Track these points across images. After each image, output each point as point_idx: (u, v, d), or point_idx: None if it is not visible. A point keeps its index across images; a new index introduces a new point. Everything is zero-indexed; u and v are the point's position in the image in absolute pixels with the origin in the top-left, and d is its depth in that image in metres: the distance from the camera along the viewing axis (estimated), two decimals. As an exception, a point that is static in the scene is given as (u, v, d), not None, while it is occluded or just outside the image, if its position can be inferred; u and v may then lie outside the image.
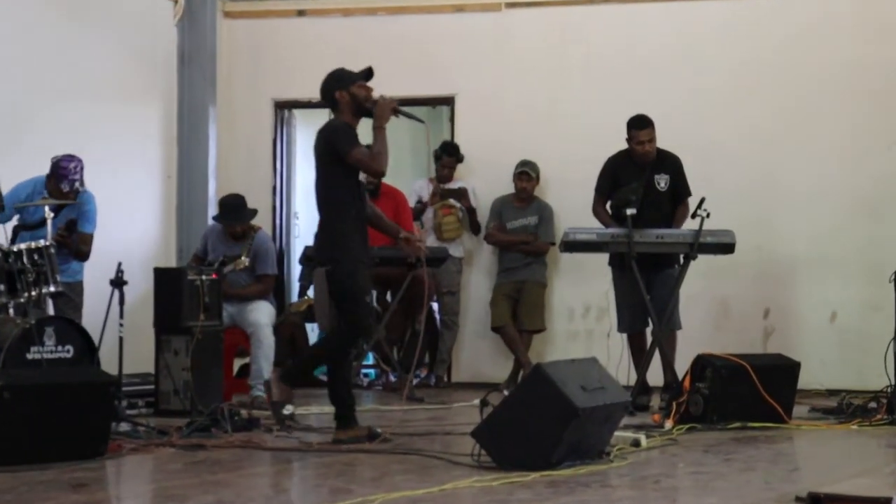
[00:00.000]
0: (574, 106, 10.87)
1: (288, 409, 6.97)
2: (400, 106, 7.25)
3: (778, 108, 10.47)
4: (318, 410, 8.31)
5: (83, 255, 8.47)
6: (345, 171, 7.07)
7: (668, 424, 7.73)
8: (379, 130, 7.09)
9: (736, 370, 7.90)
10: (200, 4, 11.10)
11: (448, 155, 10.91)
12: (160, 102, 10.92)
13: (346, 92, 7.13)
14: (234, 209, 9.51)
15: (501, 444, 6.11)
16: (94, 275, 8.70)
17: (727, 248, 8.98)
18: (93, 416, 6.46)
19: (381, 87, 11.14)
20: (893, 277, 8.52)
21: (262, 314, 9.22)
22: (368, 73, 7.23)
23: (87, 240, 8.47)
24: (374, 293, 11.21)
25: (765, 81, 10.50)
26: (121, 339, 7.96)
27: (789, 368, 8.22)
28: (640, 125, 9.04)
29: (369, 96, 7.18)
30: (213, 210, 10.79)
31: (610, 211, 9.16)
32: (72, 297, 8.35)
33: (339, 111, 7.19)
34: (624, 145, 9.15)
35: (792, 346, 9.84)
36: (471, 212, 10.88)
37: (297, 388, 7.60)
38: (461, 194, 10.83)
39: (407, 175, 13.36)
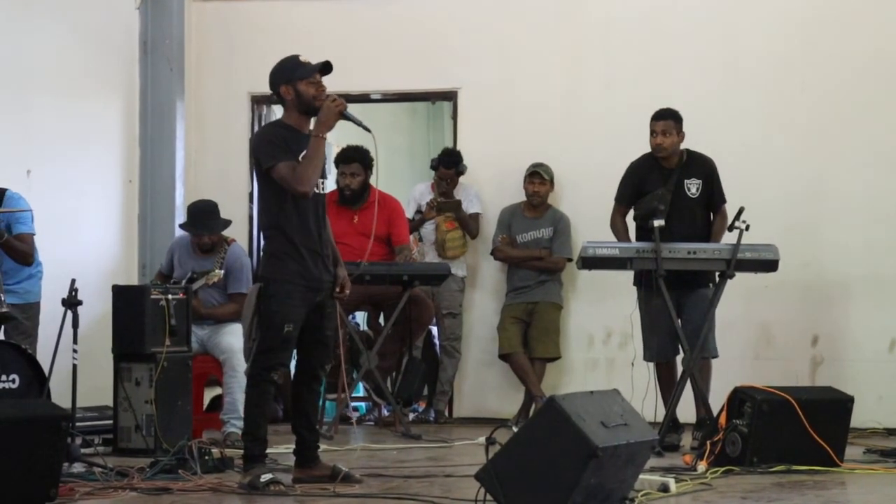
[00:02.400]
0: (594, 102, 10.90)
1: (265, 477, 6.98)
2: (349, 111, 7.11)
3: (829, 103, 10.50)
4: (285, 449, 8.32)
5: (23, 255, 8.41)
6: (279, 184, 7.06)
7: (702, 467, 7.74)
8: (315, 139, 6.99)
9: (779, 405, 7.91)
10: (165, -15, 11.19)
11: (445, 167, 10.90)
12: (120, 97, 10.95)
13: (291, 87, 7.08)
14: (204, 217, 9.55)
15: (509, 488, 6.12)
16: (44, 293, 8.72)
17: (769, 265, 9.01)
18: (42, 456, 6.45)
19: (374, 81, 11.41)
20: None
21: (236, 339, 9.23)
22: (325, 67, 7.12)
23: (27, 239, 8.45)
24: (365, 315, 11.28)
25: (812, 72, 10.52)
26: (74, 366, 7.98)
27: (841, 404, 8.23)
28: (655, 116, 9.13)
29: (319, 95, 7.07)
30: (180, 220, 10.81)
31: (636, 223, 9.19)
32: (21, 320, 8.36)
33: (285, 109, 7.20)
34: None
35: (844, 378, 9.85)
36: (463, 223, 10.87)
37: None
38: (460, 205, 10.83)
39: (404, 180, 13.40)
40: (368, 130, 7.24)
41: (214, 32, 11.59)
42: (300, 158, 7.01)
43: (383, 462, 8.24)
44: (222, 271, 9.38)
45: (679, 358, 9.05)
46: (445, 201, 10.84)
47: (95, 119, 10.70)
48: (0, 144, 9.51)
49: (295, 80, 7.08)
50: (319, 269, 7.14)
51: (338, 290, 7.27)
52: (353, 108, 7.18)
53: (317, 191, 7.15)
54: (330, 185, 10.69)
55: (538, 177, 10.64)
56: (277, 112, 11.64)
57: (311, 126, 7.15)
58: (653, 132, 9.11)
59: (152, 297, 8.72)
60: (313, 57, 7.21)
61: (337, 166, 10.57)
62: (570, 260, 10.54)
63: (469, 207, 10.92)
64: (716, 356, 9.08)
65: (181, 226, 9.83)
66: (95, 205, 10.65)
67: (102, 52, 10.77)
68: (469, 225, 10.88)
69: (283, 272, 7.05)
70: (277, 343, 7.04)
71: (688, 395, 8.95)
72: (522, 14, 11.12)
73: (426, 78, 11.34)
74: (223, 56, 11.55)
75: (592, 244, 8.90)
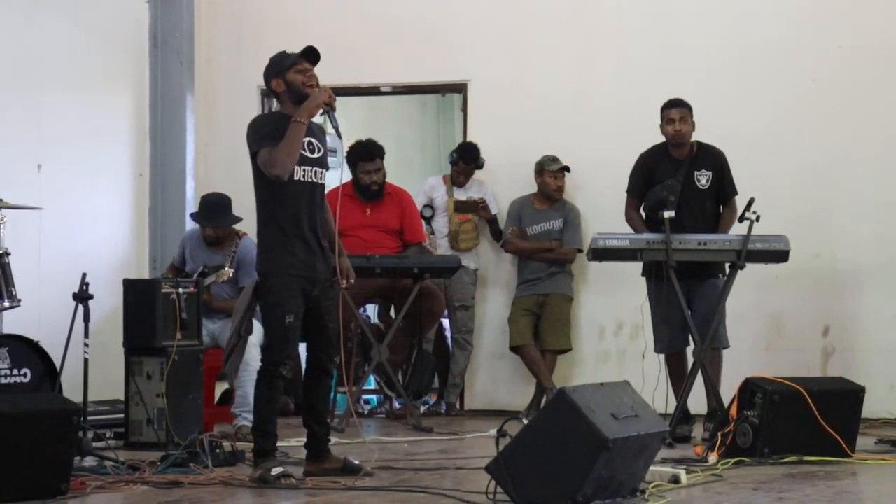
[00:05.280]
0: (604, 94, 10.89)
1: (276, 471, 6.99)
2: (334, 110, 7.14)
3: (840, 92, 10.47)
4: (296, 442, 8.33)
5: None
6: None
7: (713, 458, 7.74)
8: (294, 124, 7.01)
9: (790, 396, 7.91)
10: (175, -22, 11.18)
11: (464, 162, 10.91)
12: (129, 91, 10.96)
13: (281, 80, 7.13)
14: (213, 209, 9.56)
15: (520, 480, 6.13)
16: (56, 288, 8.75)
17: (780, 255, 9.00)
18: (53, 450, 6.47)
19: (384, 73, 11.39)
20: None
21: (247, 333, 9.24)
22: (308, 53, 7.15)
23: None
24: (376, 308, 11.28)
25: (823, 62, 10.50)
26: (86, 360, 7.99)
27: (852, 394, 8.22)
28: (670, 103, 9.13)
29: (307, 81, 7.11)
30: (191, 213, 10.81)
31: (645, 213, 9.19)
32: None
33: (281, 102, 7.23)
34: (662, 139, 9.19)
35: (855, 368, 9.85)
36: (491, 222, 10.92)
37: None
38: (479, 207, 10.83)
39: (415, 172, 13.41)
40: (340, 137, 7.37)
41: (224, 25, 11.59)
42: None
43: (394, 455, 8.24)
44: (232, 270, 9.38)
45: (689, 349, 9.04)
46: (464, 202, 10.86)
47: (105, 113, 10.71)
48: (11, 139, 9.53)
49: (284, 71, 7.13)
50: (313, 259, 7.13)
51: (343, 281, 7.29)
52: (362, 101, 7.21)
53: (314, 180, 7.15)
54: (341, 178, 10.71)
55: (563, 171, 10.64)
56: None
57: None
58: (670, 120, 9.09)
59: (163, 290, 8.71)
60: (323, 49, 7.23)
61: (354, 163, 10.51)
62: (580, 251, 10.54)
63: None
64: (727, 347, 9.08)
65: (191, 215, 9.86)
66: (106, 199, 10.66)
67: (112, 46, 10.78)
68: (495, 224, 10.90)
69: (278, 265, 7.06)
70: (280, 336, 7.04)
71: (699, 386, 8.94)
72: (532, 5, 11.11)
73: (436, 70, 11.33)
74: (232, 49, 11.55)
75: (602, 235, 8.90)
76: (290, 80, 7.11)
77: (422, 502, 6.47)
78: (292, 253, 7.06)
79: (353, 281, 7.36)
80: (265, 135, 7.05)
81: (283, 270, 7.05)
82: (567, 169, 10.66)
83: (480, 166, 10.91)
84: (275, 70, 7.17)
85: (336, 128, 7.26)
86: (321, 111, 7.16)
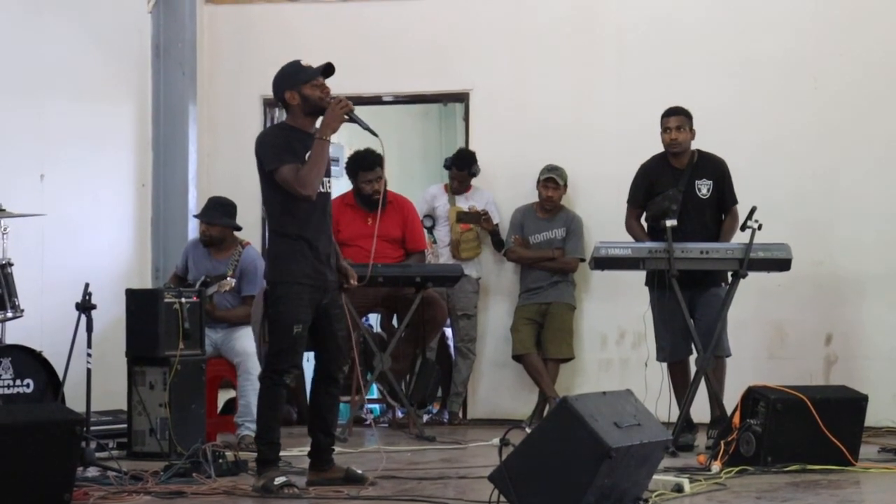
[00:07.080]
0: (607, 103, 10.88)
1: (279, 480, 6.98)
2: (356, 113, 7.10)
3: (841, 101, 10.47)
4: (299, 451, 8.33)
5: None
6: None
7: (716, 467, 7.73)
8: (319, 142, 7.01)
9: (793, 404, 7.89)
10: (178, -12, 11.18)
11: (458, 168, 10.90)
12: (132, 101, 10.96)
13: (296, 92, 7.10)
14: (213, 208, 9.60)
15: (523, 489, 6.12)
16: (58, 298, 8.73)
17: (782, 264, 8.99)
18: (56, 460, 6.46)
19: (386, 83, 11.40)
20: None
21: (250, 342, 9.23)
22: (327, 69, 7.13)
23: None
24: (378, 317, 11.28)
25: (824, 70, 10.50)
26: (89, 371, 7.99)
27: (855, 402, 8.21)
28: (668, 112, 9.14)
29: (324, 97, 7.09)
30: (193, 223, 10.82)
31: (647, 223, 9.19)
32: None
33: (290, 113, 7.20)
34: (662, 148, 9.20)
35: (858, 376, 9.84)
36: (493, 233, 10.91)
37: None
38: (481, 218, 10.80)
39: (417, 181, 13.41)
40: (375, 134, 7.28)
41: (226, 36, 11.59)
42: (306, 158, 7.02)
43: (397, 464, 8.23)
44: (234, 280, 9.38)
45: (692, 358, 9.03)
46: (466, 213, 10.84)
47: (108, 123, 10.70)
48: (14, 148, 9.54)
49: (299, 84, 7.10)
50: (323, 268, 7.13)
51: (345, 281, 7.27)
52: (364, 111, 7.20)
53: (322, 190, 7.14)
54: (343, 187, 10.71)
55: (553, 182, 10.61)
56: (289, 115, 11.65)
57: (317, 127, 7.16)
58: (666, 129, 9.10)
59: (166, 300, 8.72)
60: (325, 59, 7.21)
61: (355, 173, 10.47)
62: (582, 260, 10.53)
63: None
64: (729, 355, 9.07)
65: (195, 215, 9.92)
66: (108, 209, 10.65)
67: (115, 56, 10.77)
68: (498, 235, 10.88)
69: (289, 273, 7.05)
70: (287, 345, 7.03)
71: (702, 394, 8.94)
72: (534, 15, 11.10)
73: (438, 80, 11.33)
74: (235, 59, 11.55)
75: (605, 244, 8.89)
76: (307, 94, 7.08)
77: (424, 512, 6.48)
78: (302, 262, 7.05)
79: (355, 282, 7.34)
80: (281, 150, 7.02)
81: (293, 279, 7.04)
82: (553, 180, 10.59)
83: (474, 174, 10.89)
84: (289, 81, 7.13)
85: (366, 128, 7.20)
86: (344, 121, 7.09)
